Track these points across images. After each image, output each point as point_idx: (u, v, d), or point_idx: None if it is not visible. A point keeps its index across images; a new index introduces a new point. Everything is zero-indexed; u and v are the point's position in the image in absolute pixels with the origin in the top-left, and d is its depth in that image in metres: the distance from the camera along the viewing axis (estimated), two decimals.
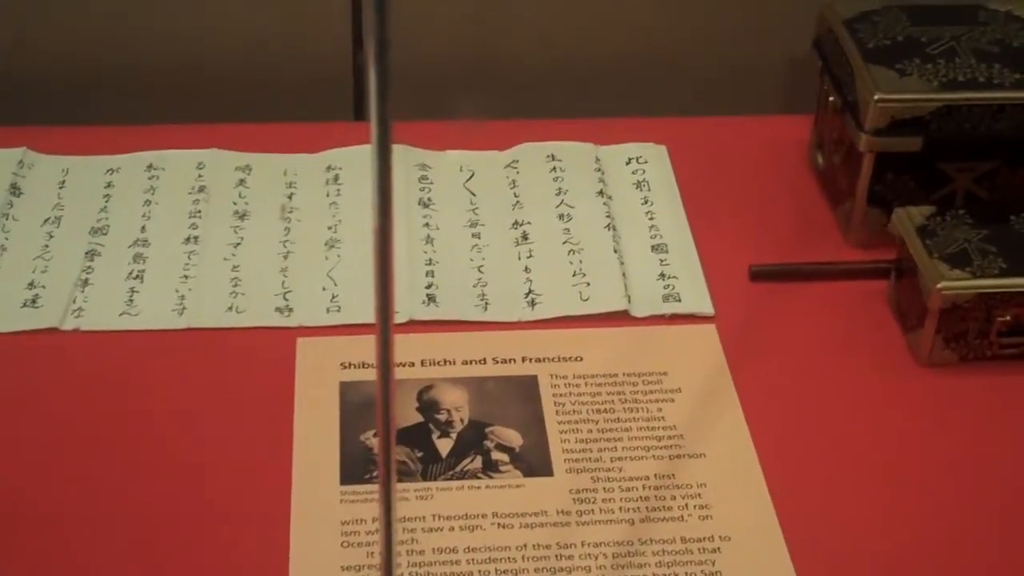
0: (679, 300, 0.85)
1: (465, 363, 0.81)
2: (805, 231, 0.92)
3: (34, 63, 1.04)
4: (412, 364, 0.80)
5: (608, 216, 0.91)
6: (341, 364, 0.80)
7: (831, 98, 0.91)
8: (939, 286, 0.79)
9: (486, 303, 0.85)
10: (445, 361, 0.81)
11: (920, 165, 0.87)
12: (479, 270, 0.87)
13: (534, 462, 0.75)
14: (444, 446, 0.76)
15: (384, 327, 0.41)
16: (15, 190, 0.91)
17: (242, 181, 0.93)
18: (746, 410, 0.78)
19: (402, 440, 0.75)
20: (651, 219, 0.92)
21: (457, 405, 0.78)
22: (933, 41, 0.90)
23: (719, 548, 0.70)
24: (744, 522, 0.72)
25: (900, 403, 0.80)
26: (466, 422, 0.77)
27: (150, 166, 0.94)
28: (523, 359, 0.81)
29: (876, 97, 0.85)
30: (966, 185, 0.88)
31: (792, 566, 0.69)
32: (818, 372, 0.82)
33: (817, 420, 0.78)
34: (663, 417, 0.78)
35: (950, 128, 0.86)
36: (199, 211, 0.91)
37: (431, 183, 0.94)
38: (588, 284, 0.86)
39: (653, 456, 0.75)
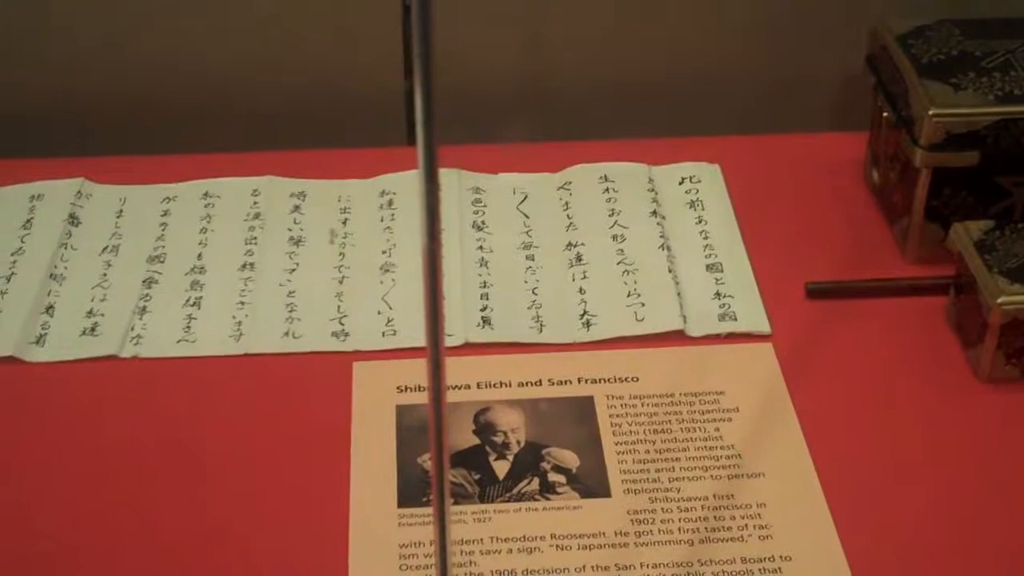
0: (735, 319, 0.85)
1: (521, 385, 0.81)
2: (861, 248, 0.91)
3: (91, 95, 1.06)
4: (468, 387, 0.80)
5: (662, 236, 0.91)
6: (397, 387, 0.80)
7: (885, 114, 0.91)
8: (999, 301, 0.78)
9: (541, 325, 0.85)
10: (501, 383, 0.81)
11: (977, 179, 0.86)
12: (533, 292, 0.87)
13: (591, 483, 0.75)
14: (501, 468, 0.75)
15: (435, 349, 0.41)
16: (74, 220, 0.92)
17: (297, 207, 0.94)
18: (805, 429, 0.78)
19: (459, 462, 0.75)
20: (705, 238, 0.92)
21: (513, 427, 0.78)
22: (988, 55, 0.89)
23: (780, 569, 0.70)
24: (805, 542, 0.71)
25: (961, 420, 0.79)
26: (523, 444, 0.77)
27: (206, 194, 0.95)
28: (579, 380, 0.81)
29: (931, 112, 0.84)
30: None
31: None
32: (877, 389, 0.81)
33: (877, 438, 0.78)
34: (721, 437, 0.77)
35: (1007, 142, 0.85)
36: (255, 238, 0.91)
37: (485, 206, 0.94)
38: (643, 304, 0.86)
39: (711, 476, 0.75)
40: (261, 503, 0.74)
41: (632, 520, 0.72)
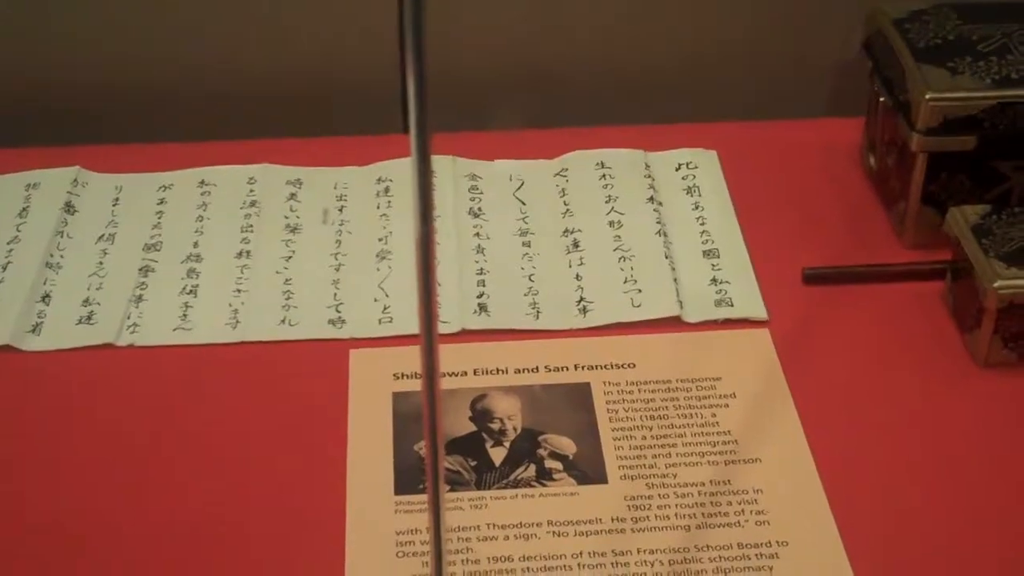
0: (731, 305, 0.85)
1: (517, 372, 0.81)
2: (858, 233, 0.91)
3: (87, 84, 1.06)
4: (464, 373, 0.80)
5: (659, 222, 0.91)
6: (393, 375, 0.80)
7: (882, 99, 0.90)
8: (996, 285, 0.78)
9: (538, 311, 0.85)
10: (498, 370, 0.81)
11: (974, 164, 0.86)
12: (530, 279, 0.87)
13: (588, 470, 0.74)
14: (498, 455, 0.75)
15: (428, 337, 0.41)
16: (69, 208, 0.92)
17: (293, 195, 0.94)
18: (801, 414, 0.78)
19: (456, 449, 0.75)
20: (702, 224, 0.92)
21: (510, 414, 0.78)
22: (984, 39, 0.89)
23: (777, 554, 0.70)
24: (802, 527, 0.71)
25: (959, 405, 0.79)
26: (519, 431, 0.77)
27: (202, 182, 0.95)
28: (575, 367, 0.81)
29: (928, 96, 0.84)
30: (1022, 183, 0.87)
31: (851, 570, 0.69)
32: (874, 375, 0.81)
33: (874, 423, 0.78)
34: (717, 423, 0.77)
35: (1004, 126, 0.85)
36: (251, 226, 0.91)
37: (481, 193, 0.94)
38: (640, 290, 0.86)
39: (708, 462, 0.75)
40: (258, 490, 0.74)
41: (629, 506, 0.72)
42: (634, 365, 0.81)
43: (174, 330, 0.83)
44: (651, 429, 0.77)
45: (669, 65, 1.08)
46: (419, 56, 0.37)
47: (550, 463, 0.75)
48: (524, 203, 0.94)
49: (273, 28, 1.05)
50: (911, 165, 0.87)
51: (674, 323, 0.84)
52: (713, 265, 0.88)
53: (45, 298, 0.85)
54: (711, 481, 0.74)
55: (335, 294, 0.86)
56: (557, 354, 0.82)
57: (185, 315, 0.84)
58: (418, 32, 0.36)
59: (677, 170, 0.96)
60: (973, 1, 0.92)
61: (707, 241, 0.90)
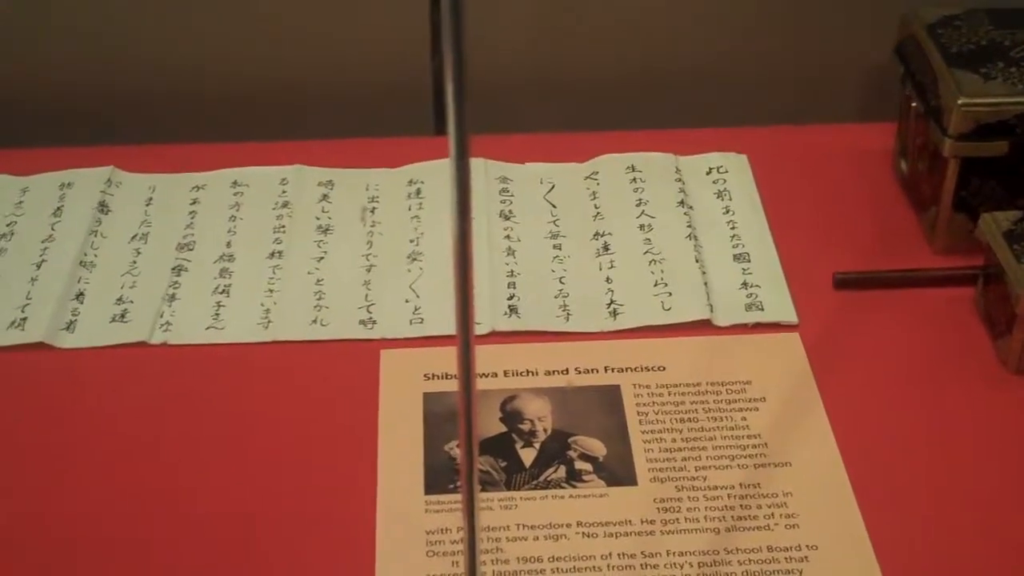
0: (762, 309, 0.85)
1: (548, 373, 0.81)
2: (890, 238, 0.91)
3: (120, 85, 1.06)
4: (495, 375, 0.81)
5: (689, 226, 0.91)
6: (424, 375, 0.80)
7: (914, 104, 0.90)
8: None
9: (568, 314, 0.85)
10: (528, 372, 0.81)
11: (1006, 169, 0.86)
12: (560, 281, 0.87)
13: (618, 471, 0.75)
14: (528, 456, 0.76)
15: (465, 336, 0.41)
16: (103, 208, 0.93)
17: (325, 196, 0.94)
18: (832, 418, 0.78)
19: (486, 450, 0.75)
20: (732, 228, 0.92)
21: (540, 415, 0.78)
22: (1017, 44, 0.88)
23: (807, 557, 0.70)
24: (831, 531, 0.71)
25: (989, 411, 0.79)
26: (549, 432, 0.77)
27: (235, 183, 0.96)
28: (606, 369, 0.81)
29: (960, 101, 0.84)
30: None
31: (881, 574, 0.69)
32: (904, 380, 0.81)
33: (904, 428, 0.77)
34: (747, 426, 0.77)
35: None
36: (283, 226, 0.92)
37: (512, 195, 0.94)
38: (670, 294, 0.86)
39: (738, 465, 0.75)
40: (289, 489, 0.74)
41: (658, 508, 0.72)
42: (664, 368, 0.81)
43: (206, 329, 0.84)
44: (681, 432, 0.77)
45: (700, 69, 1.08)
46: (458, 47, 0.37)
47: (580, 464, 0.75)
48: (555, 206, 0.94)
49: (305, 31, 1.05)
50: (943, 170, 0.87)
51: (704, 326, 0.84)
52: (744, 269, 0.88)
53: (79, 296, 0.86)
54: (741, 484, 0.74)
55: (366, 295, 0.86)
56: (587, 356, 0.82)
57: (217, 314, 0.85)
58: (458, 25, 0.37)
59: (708, 174, 0.96)
60: (1006, 6, 0.92)
61: (738, 245, 0.90)
